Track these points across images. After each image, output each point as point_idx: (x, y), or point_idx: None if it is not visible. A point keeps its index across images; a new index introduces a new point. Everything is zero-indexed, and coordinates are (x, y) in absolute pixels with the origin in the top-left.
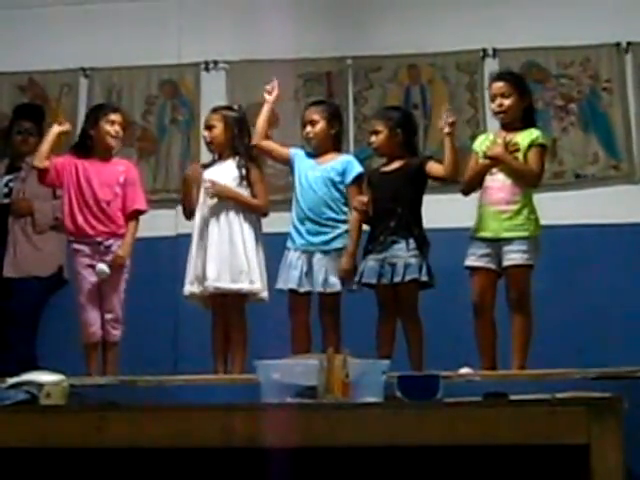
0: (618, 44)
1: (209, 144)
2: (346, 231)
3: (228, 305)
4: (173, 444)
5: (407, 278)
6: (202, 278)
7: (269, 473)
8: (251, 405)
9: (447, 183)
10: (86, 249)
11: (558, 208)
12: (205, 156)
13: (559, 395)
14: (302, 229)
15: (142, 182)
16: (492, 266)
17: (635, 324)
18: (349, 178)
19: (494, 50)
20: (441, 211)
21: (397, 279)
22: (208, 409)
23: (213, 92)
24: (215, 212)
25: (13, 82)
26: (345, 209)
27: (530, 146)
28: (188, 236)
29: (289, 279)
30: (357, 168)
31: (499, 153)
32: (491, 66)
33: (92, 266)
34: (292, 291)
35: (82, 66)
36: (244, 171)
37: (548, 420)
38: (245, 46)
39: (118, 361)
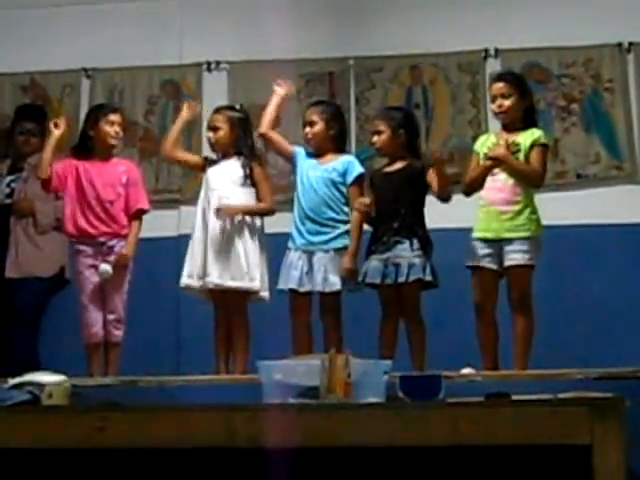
0: (620, 44)
1: (213, 145)
2: (346, 231)
3: (230, 305)
4: (175, 444)
5: (411, 278)
6: (202, 274)
7: (271, 473)
8: (253, 405)
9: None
10: (89, 249)
11: (560, 208)
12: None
13: (561, 395)
14: (303, 229)
15: (144, 182)
16: (494, 266)
17: (637, 324)
18: (350, 178)
19: (496, 50)
20: (443, 211)
21: (401, 279)
22: (210, 409)
23: (215, 92)
24: (215, 205)
25: (15, 82)
26: (346, 209)
27: (532, 146)
28: (190, 236)
29: (289, 279)
30: (358, 168)
31: (501, 154)
32: (493, 66)
33: (95, 266)
34: (293, 291)
35: (84, 66)
36: (248, 170)
37: (550, 420)
38: (247, 46)
39: (120, 361)
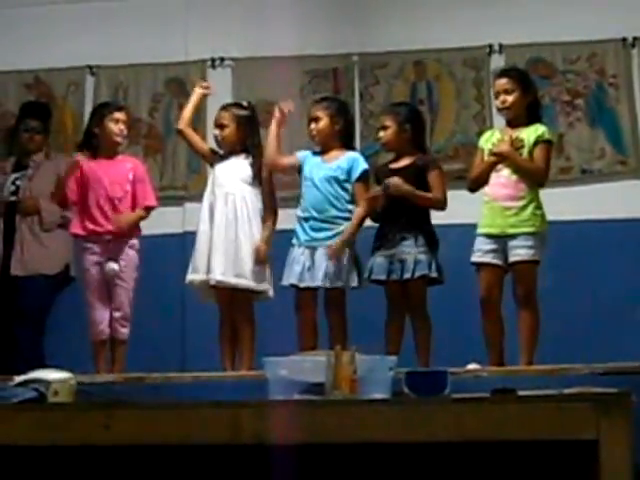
0: (624, 39)
1: (219, 142)
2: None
3: (235, 302)
4: (181, 441)
5: (417, 274)
6: (206, 271)
7: (277, 470)
8: (259, 402)
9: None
10: (95, 247)
11: (564, 204)
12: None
13: (567, 391)
14: (306, 225)
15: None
16: (498, 262)
17: None
18: (355, 175)
19: (500, 46)
20: (448, 207)
21: (407, 275)
22: (216, 406)
23: (219, 89)
24: (222, 204)
25: (19, 80)
26: (350, 207)
27: (536, 143)
28: (195, 233)
29: (291, 274)
30: (363, 165)
31: (505, 150)
32: (497, 62)
33: (101, 264)
34: (296, 287)
35: (88, 64)
36: (256, 170)
37: (556, 416)
38: (251, 43)
39: (125, 359)
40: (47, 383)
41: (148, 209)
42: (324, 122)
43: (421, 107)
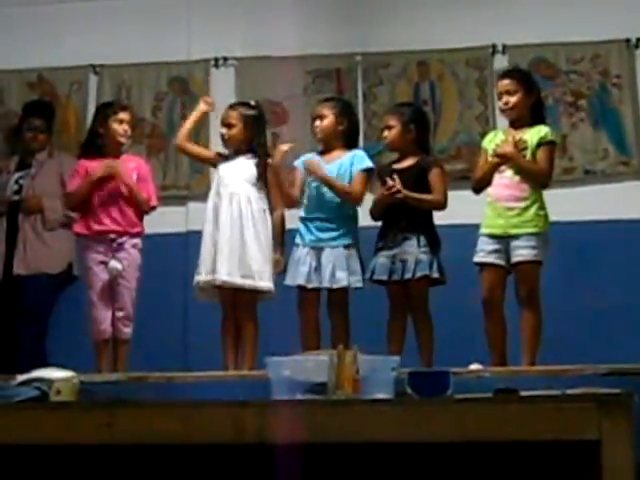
0: (628, 40)
1: (226, 141)
2: (355, 227)
3: (239, 302)
4: (183, 441)
5: (418, 274)
6: (212, 271)
7: (279, 469)
8: (262, 401)
9: None
10: (98, 246)
11: (567, 204)
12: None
13: (569, 391)
14: (311, 225)
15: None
16: (501, 262)
17: None
18: (359, 167)
19: (503, 46)
20: (451, 207)
21: (408, 275)
22: (218, 406)
23: (222, 88)
24: (227, 203)
25: (23, 79)
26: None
27: (539, 144)
28: (198, 233)
29: (297, 275)
30: (368, 162)
31: (509, 152)
32: (500, 62)
33: (104, 263)
34: (301, 287)
35: (92, 63)
36: (262, 171)
37: (559, 416)
38: (254, 42)
39: (128, 358)
40: (50, 382)
41: (149, 208)
42: (329, 120)
43: (424, 107)
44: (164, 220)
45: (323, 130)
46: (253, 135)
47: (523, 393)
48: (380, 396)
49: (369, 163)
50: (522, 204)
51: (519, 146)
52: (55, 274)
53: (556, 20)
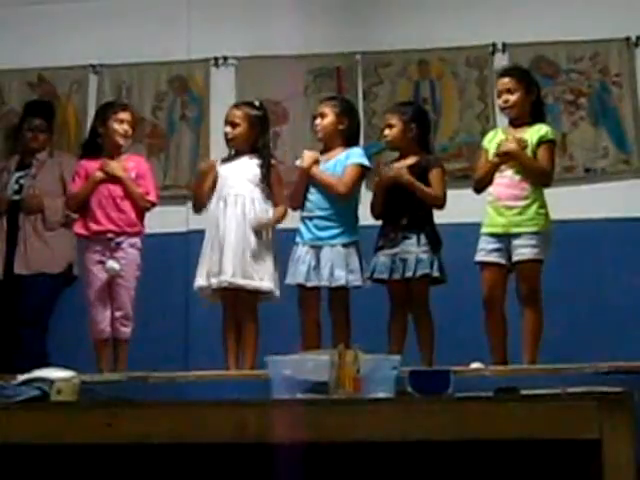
0: (628, 38)
1: (229, 140)
2: (354, 226)
3: (240, 301)
4: (184, 440)
5: (418, 273)
6: (217, 273)
7: (280, 469)
8: (262, 401)
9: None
10: (97, 246)
11: (568, 202)
12: (214, 152)
13: (570, 390)
14: (310, 224)
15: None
16: (502, 261)
17: None
18: (353, 160)
19: (503, 45)
20: (451, 206)
21: (408, 274)
22: (219, 405)
23: (223, 88)
24: (232, 205)
25: (23, 79)
26: (354, 204)
27: (539, 143)
28: (199, 232)
29: (297, 274)
30: (362, 158)
31: (513, 149)
32: (501, 61)
33: (102, 262)
34: (301, 286)
35: (92, 63)
36: (265, 171)
37: (559, 415)
38: (255, 42)
39: (128, 358)
40: (50, 382)
41: (147, 203)
42: (330, 119)
43: (424, 106)
44: (164, 220)
45: (323, 129)
46: (257, 135)
47: (524, 392)
48: (381, 395)
49: (364, 159)
50: (523, 203)
51: (520, 146)
52: (55, 274)
53: (556, 19)
